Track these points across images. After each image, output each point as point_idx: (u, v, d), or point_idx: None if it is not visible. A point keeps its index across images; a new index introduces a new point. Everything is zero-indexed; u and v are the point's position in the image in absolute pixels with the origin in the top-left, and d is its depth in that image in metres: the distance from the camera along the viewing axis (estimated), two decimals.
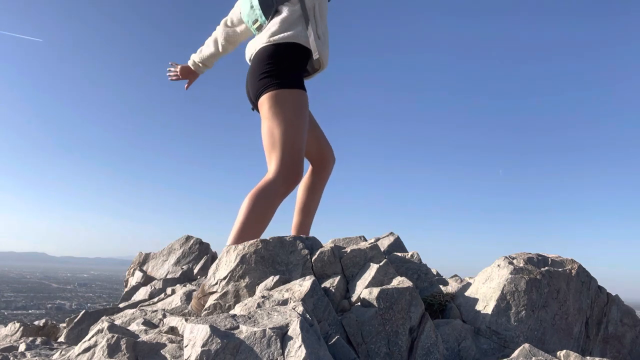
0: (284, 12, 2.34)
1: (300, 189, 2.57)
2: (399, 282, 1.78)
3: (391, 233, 3.12)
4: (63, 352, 1.94)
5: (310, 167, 2.58)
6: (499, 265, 2.08)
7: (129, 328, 1.83)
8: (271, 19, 2.38)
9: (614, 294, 2.26)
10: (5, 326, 3.19)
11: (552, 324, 1.94)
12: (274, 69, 2.26)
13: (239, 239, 2.11)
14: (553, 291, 1.98)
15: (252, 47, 2.42)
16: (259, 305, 1.54)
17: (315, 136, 2.55)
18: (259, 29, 2.45)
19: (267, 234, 2.11)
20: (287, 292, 1.61)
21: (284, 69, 2.27)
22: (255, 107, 2.40)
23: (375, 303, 1.64)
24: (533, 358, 1.55)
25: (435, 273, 2.72)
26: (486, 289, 2.03)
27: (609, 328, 2.17)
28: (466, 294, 2.10)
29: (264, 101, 2.25)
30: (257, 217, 2.13)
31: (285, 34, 2.30)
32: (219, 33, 2.71)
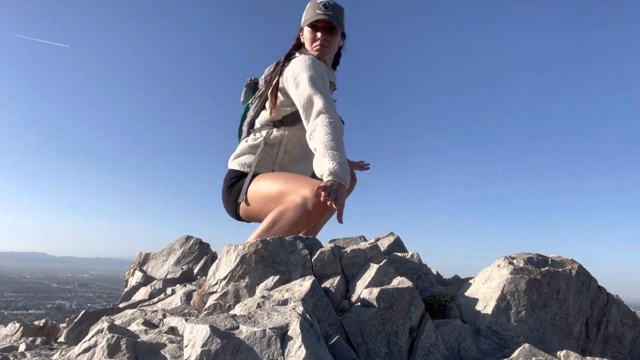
0: (249, 139, 2.51)
1: None
2: (399, 282, 1.78)
3: (391, 233, 3.13)
4: (63, 352, 1.94)
5: None
6: (499, 265, 2.08)
7: (129, 328, 1.83)
8: (240, 141, 2.60)
9: (614, 294, 2.26)
10: (5, 326, 3.19)
11: (552, 324, 1.94)
12: (233, 186, 2.42)
13: None
14: (553, 291, 1.98)
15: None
16: (259, 306, 1.54)
17: None
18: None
19: None
20: (287, 292, 1.61)
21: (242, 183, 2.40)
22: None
23: (375, 303, 1.64)
24: (533, 358, 1.55)
25: (435, 273, 2.71)
26: (486, 289, 2.03)
27: (609, 328, 2.17)
28: (466, 294, 2.10)
29: (244, 213, 2.41)
30: (284, 231, 2.11)
31: (240, 159, 2.45)
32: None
